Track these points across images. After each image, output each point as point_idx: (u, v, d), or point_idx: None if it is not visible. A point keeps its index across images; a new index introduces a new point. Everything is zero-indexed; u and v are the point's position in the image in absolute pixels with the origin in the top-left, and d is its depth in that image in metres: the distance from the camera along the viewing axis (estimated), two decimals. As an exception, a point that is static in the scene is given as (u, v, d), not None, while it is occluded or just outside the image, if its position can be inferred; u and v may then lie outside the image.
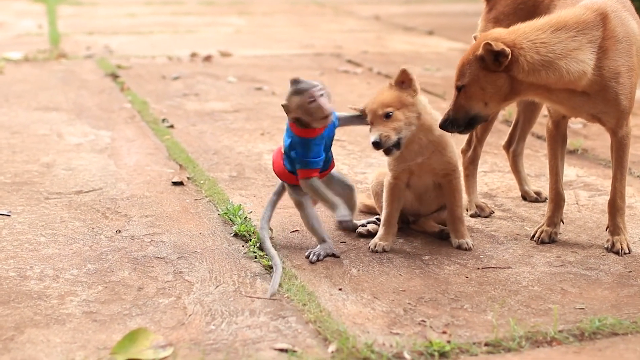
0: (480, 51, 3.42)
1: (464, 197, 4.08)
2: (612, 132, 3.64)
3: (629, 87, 3.54)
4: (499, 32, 3.53)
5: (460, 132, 3.66)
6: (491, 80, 3.47)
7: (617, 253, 3.68)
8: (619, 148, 3.66)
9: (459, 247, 3.71)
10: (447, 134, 3.69)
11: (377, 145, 3.54)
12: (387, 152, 3.59)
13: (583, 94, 3.52)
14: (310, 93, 3.53)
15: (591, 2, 3.55)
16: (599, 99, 3.52)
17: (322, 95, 3.53)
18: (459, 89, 3.56)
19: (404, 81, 3.61)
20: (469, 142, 4.33)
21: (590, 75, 3.46)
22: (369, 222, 3.91)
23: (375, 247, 3.69)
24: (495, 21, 4.09)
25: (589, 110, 3.58)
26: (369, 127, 3.64)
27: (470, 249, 3.70)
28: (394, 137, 3.54)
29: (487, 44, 3.39)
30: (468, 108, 3.55)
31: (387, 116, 3.55)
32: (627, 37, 3.53)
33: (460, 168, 3.87)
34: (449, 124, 3.60)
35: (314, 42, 10.12)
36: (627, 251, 3.68)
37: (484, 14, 4.18)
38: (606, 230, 3.81)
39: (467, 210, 4.14)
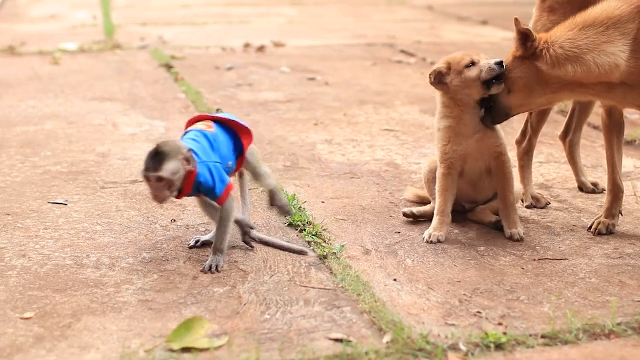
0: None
1: (519, 187, 4.04)
2: None
3: None
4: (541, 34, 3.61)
5: (484, 121, 3.72)
6: (516, 64, 3.57)
7: (676, 245, 3.63)
8: None
9: (511, 238, 3.68)
10: None
11: (501, 65, 3.58)
12: (497, 82, 3.60)
13: (623, 85, 3.49)
14: (144, 174, 3.28)
15: None
16: None
17: (158, 180, 3.24)
18: None
19: None
20: (523, 133, 4.28)
21: (625, 67, 3.44)
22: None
23: (430, 237, 3.67)
24: (550, 10, 4.05)
25: (633, 102, 3.56)
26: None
27: (521, 240, 3.66)
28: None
29: (516, 19, 3.51)
30: None
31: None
32: None
33: (514, 157, 3.83)
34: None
35: (366, 32, 10.09)
36: (686, 243, 3.63)
37: (539, 3, 4.14)
38: (665, 221, 3.75)
39: (522, 201, 4.10)
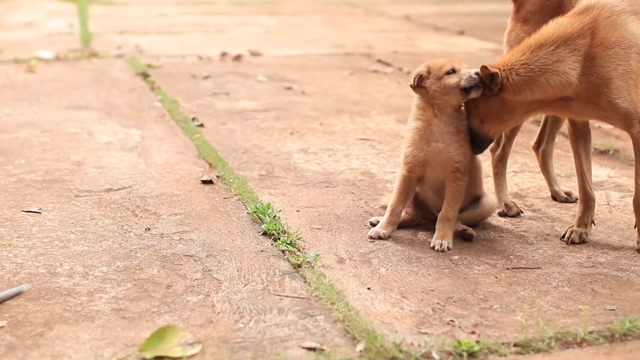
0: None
1: (493, 197, 4.06)
2: (627, 131, 3.63)
3: (626, 90, 3.51)
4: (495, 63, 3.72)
5: (473, 150, 3.85)
6: (483, 100, 3.69)
7: (647, 254, 3.65)
8: (635, 145, 3.62)
9: (433, 247, 3.71)
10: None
11: (479, 75, 3.65)
12: (475, 88, 3.67)
13: (578, 99, 3.57)
14: None
15: (587, 7, 3.59)
16: (594, 104, 3.56)
17: None
18: None
19: None
20: (497, 141, 4.30)
21: (577, 83, 3.53)
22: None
23: (372, 233, 3.81)
24: (524, 20, 4.08)
25: (591, 114, 3.66)
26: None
27: (442, 251, 3.68)
28: None
29: (484, 67, 3.60)
30: (470, 123, 3.78)
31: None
32: (620, 42, 3.52)
33: (489, 166, 3.84)
34: None
35: (344, 42, 10.11)
36: (657, 252, 3.66)
37: (513, 14, 4.17)
38: (634, 227, 3.77)
39: (496, 208, 4.13)
